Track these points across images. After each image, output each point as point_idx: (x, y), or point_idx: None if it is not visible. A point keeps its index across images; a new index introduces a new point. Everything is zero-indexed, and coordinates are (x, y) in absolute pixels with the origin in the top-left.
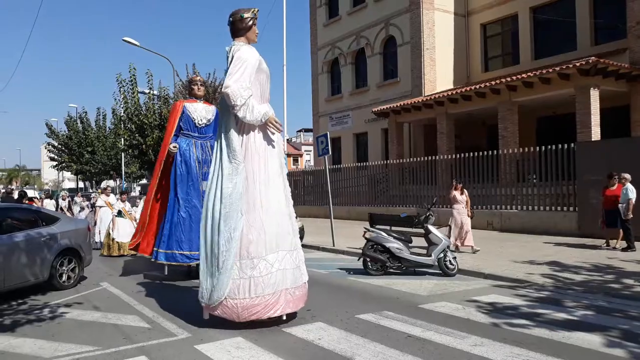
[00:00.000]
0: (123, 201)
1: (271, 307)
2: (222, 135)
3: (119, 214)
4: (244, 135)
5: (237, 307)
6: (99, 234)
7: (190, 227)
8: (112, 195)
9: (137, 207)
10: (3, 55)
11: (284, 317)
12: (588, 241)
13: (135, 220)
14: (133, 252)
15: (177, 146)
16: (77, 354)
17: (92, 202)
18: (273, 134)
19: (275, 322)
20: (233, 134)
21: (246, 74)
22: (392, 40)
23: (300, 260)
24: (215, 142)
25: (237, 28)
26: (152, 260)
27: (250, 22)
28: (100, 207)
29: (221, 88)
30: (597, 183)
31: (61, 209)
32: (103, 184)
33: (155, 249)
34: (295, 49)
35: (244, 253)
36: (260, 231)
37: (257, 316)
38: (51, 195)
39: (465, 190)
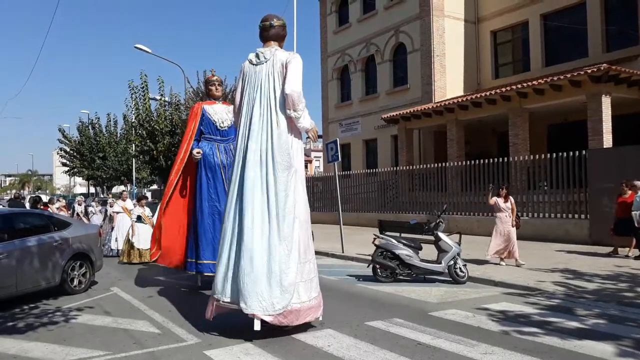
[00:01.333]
0: (142, 206)
1: (317, 309)
2: (274, 138)
3: (139, 219)
4: (294, 139)
5: (300, 311)
6: (116, 241)
7: (215, 236)
8: (128, 200)
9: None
10: (17, 62)
11: (320, 318)
12: (600, 249)
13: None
14: (153, 261)
15: (201, 152)
16: (88, 359)
17: (106, 207)
18: (311, 142)
19: (286, 331)
20: (287, 137)
21: (301, 83)
22: (402, 47)
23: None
24: (244, 144)
25: (279, 34)
26: (185, 271)
27: (285, 31)
28: (117, 212)
29: (233, 94)
30: (609, 190)
31: (77, 214)
32: (114, 189)
33: (187, 259)
34: (305, 56)
35: (302, 256)
36: (308, 233)
37: (309, 318)
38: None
39: (510, 197)
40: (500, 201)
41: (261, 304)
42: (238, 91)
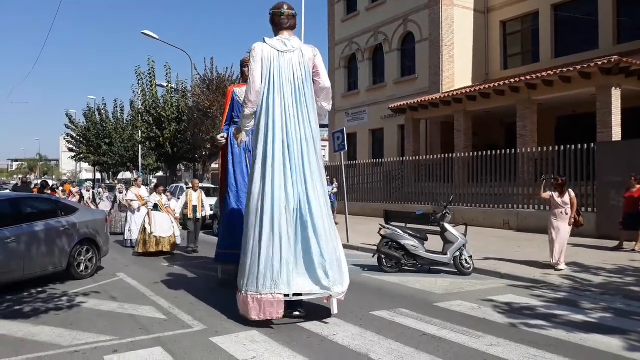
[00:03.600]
0: (160, 194)
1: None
2: (312, 124)
3: (155, 207)
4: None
5: (343, 297)
6: (130, 231)
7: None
8: (143, 187)
9: (176, 200)
10: (24, 47)
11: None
12: (606, 242)
13: (174, 213)
14: (171, 251)
15: (226, 136)
16: (95, 343)
17: (115, 193)
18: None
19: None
20: (316, 126)
21: None
22: (410, 36)
23: None
24: (295, 127)
25: (293, 24)
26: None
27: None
28: (131, 200)
29: (240, 82)
30: (618, 184)
31: (85, 201)
32: (120, 175)
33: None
34: (312, 43)
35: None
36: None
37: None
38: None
39: (570, 190)
40: (555, 195)
41: (342, 286)
42: (257, 73)
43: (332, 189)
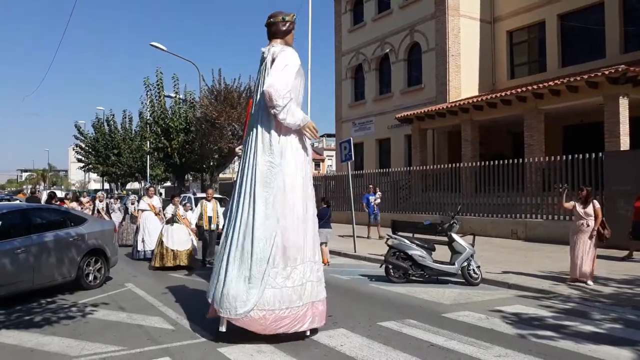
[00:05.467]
0: (176, 204)
1: (300, 321)
2: (258, 138)
3: (172, 219)
4: (282, 137)
5: (265, 318)
6: (143, 242)
7: None
8: (155, 197)
9: (192, 211)
10: (34, 58)
11: (308, 333)
12: (615, 252)
13: (190, 225)
14: (189, 264)
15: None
16: (103, 354)
17: (125, 202)
18: (310, 139)
19: (297, 336)
20: (273, 136)
21: (289, 76)
22: (416, 46)
23: (322, 273)
24: (249, 144)
25: (278, 30)
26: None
27: (290, 26)
28: (143, 210)
29: (248, 92)
30: (626, 193)
31: (98, 211)
32: (129, 186)
33: None
34: (319, 54)
35: (278, 262)
36: (295, 240)
37: (284, 329)
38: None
39: (594, 201)
40: (578, 206)
41: (221, 302)
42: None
43: (375, 199)
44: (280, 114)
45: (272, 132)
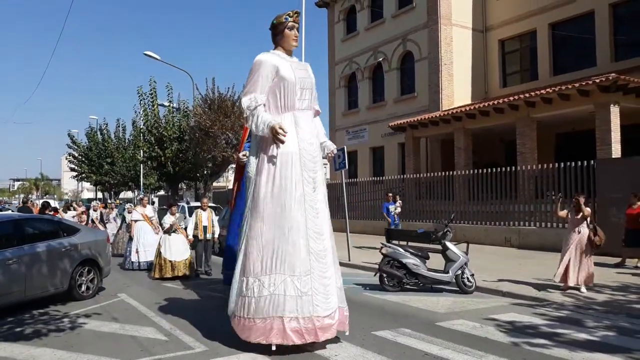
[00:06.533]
0: (173, 214)
1: (267, 333)
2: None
3: (170, 229)
4: (261, 144)
5: (238, 325)
6: (137, 253)
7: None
8: (149, 206)
9: (180, 214)
10: (27, 68)
11: (274, 348)
12: (608, 259)
13: (188, 236)
14: (189, 274)
15: (247, 154)
16: None
17: (119, 211)
18: (283, 143)
19: (298, 348)
20: (252, 145)
21: (255, 83)
22: (409, 55)
23: (328, 286)
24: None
25: (273, 36)
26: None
27: (282, 27)
28: (136, 221)
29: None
30: (618, 201)
31: (92, 220)
32: (122, 195)
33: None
34: (312, 63)
35: (248, 270)
36: (258, 249)
37: (259, 339)
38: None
39: (582, 207)
40: (572, 214)
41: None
42: None
43: (395, 208)
44: (247, 123)
45: (253, 142)
